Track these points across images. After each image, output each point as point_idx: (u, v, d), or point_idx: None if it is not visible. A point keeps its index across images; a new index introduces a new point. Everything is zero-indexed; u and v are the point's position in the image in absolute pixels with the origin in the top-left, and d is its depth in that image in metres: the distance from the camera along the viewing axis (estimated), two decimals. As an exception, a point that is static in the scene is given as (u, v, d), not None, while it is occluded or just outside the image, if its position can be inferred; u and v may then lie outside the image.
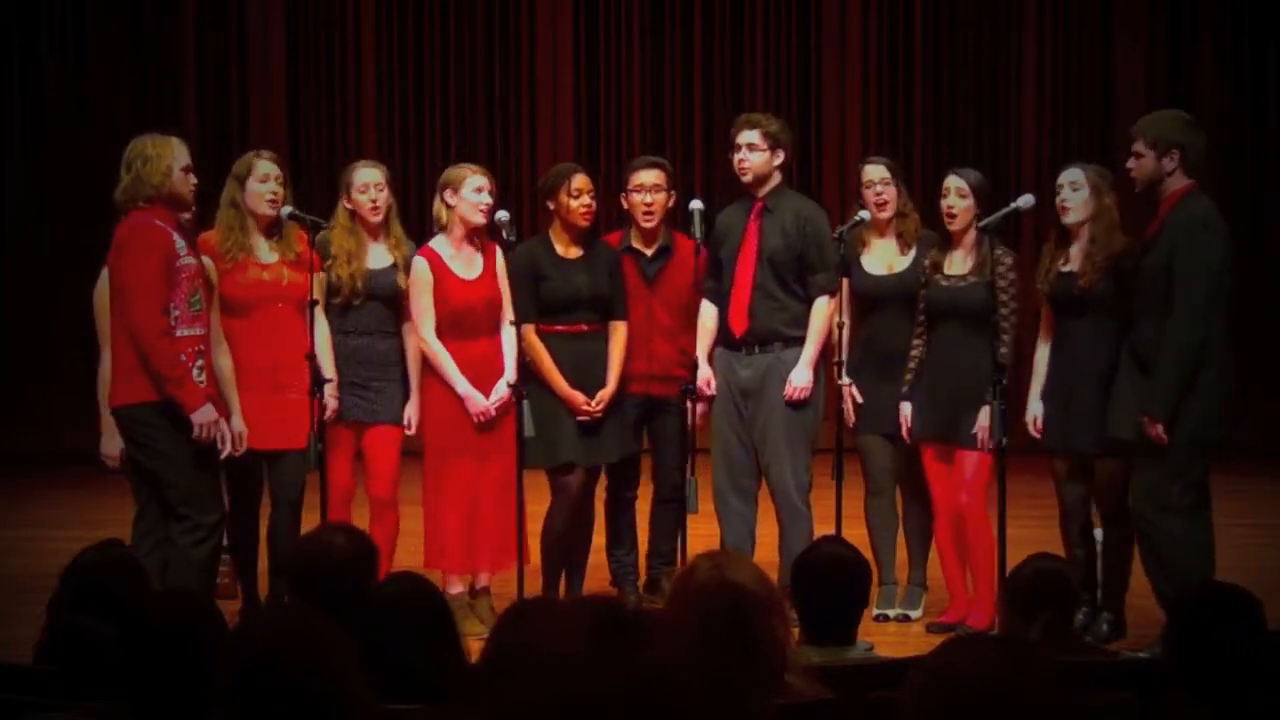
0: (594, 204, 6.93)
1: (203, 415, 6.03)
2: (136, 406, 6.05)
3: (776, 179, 6.97)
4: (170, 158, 6.08)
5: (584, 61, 12.00)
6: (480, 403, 6.69)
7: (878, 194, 6.94)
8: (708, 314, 6.93)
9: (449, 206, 6.77)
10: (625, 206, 7.17)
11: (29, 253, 11.78)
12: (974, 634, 5.23)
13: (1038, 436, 6.62)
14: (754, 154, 6.90)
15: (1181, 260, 6.05)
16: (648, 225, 7.08)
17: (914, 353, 6.83)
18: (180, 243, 6.09)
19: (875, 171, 6.98)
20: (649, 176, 7.07)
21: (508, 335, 6.76)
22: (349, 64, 11.99)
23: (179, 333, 6.04)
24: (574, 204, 6.88)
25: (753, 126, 6.94)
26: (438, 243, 6.80)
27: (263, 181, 6.58)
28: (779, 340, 6.88)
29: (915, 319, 6.84)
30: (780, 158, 6.95)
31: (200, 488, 6.10)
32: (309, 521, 6.30)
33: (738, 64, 11.98)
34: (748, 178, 6.93)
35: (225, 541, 6.50)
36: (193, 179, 6.17)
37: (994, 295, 6.47)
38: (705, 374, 6.85)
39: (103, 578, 4.23)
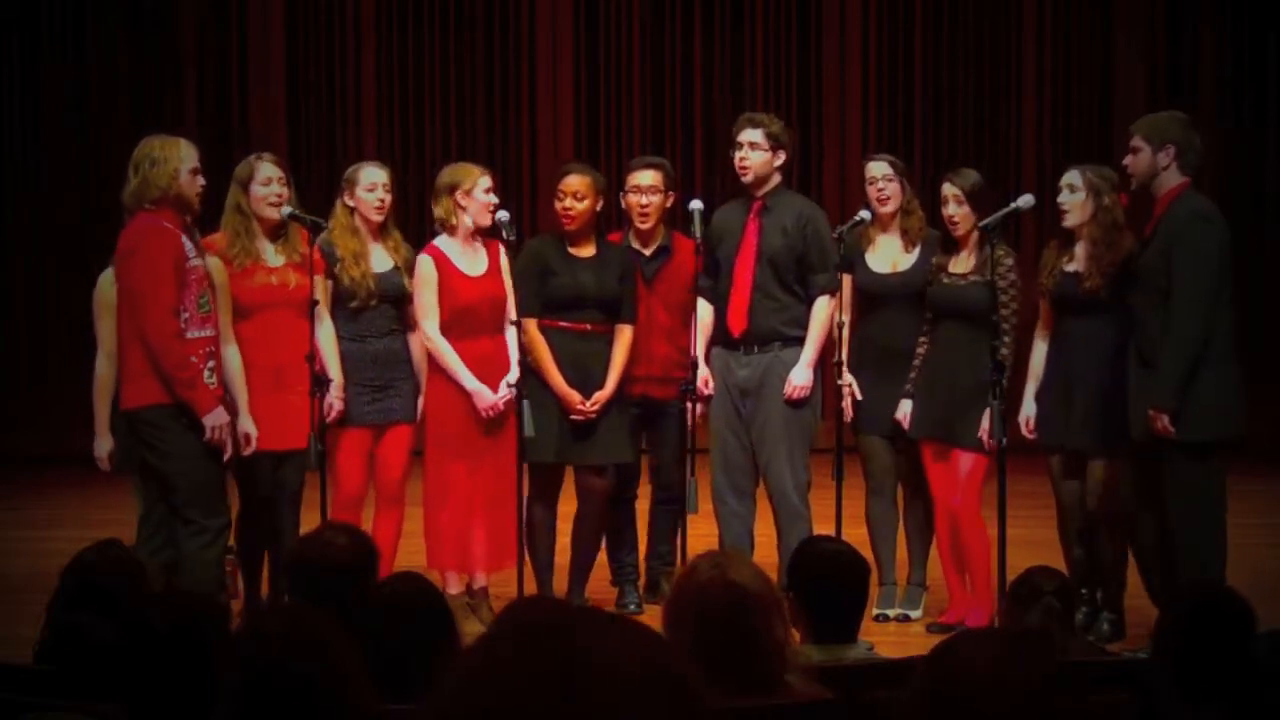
0: (577, 206, 6.84)
1: (215, 418, 6.05)
2: (147, 408, 6.06)
3: (776, 179, 6.95)
4: (178, 160, 6.07)
5: (584, 61, 12.00)
6: (488, 398, 6.67)
7: (880, 190, 6.94)
8: (705, 313, 6.90)
9: (460, 208, 6.73)
10: (624, 206, 7.18)
11: (29, 253, 11.78)
12: (983, 629, 5.18)
13: (1030, 438, 6.63)
14: (755, 153, 6.88)
15: (1179, 252, 6.03)
16: (643, 226, 7.08)
17: (920, 350, 6.83)
18: (189, 245, 6.09)
19: (878, 168, 6.99)
20: (645, 178, 7.06)
21: (511, 335, 6.75)
22: (349, 64, 11.98)
23: (189, 335, 6.04)
24: (557, 205, 6.90)
25: (755, 125, 6.92)
26: (443, 241, 6.77)
27: (265, 185, 6.55)
28: (778, 340, 6.86)
29: (919, 318, 6.86)
30: (781, 159, 6.93)
31: (206, 491, 6.10)
32: (309, 521, 6.29)
33: (738, 64, 11.98)
34: (748, 177, 6.91)
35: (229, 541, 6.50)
36: (200, 181, 6.16)
37: (994, 295, 6.47)
38: (704, 373, 6.82)
39: (103, 578, 4.23)
